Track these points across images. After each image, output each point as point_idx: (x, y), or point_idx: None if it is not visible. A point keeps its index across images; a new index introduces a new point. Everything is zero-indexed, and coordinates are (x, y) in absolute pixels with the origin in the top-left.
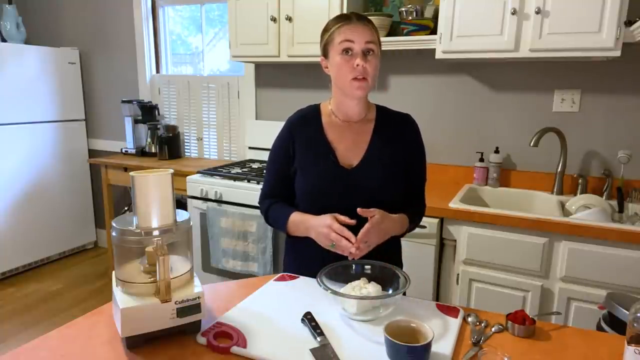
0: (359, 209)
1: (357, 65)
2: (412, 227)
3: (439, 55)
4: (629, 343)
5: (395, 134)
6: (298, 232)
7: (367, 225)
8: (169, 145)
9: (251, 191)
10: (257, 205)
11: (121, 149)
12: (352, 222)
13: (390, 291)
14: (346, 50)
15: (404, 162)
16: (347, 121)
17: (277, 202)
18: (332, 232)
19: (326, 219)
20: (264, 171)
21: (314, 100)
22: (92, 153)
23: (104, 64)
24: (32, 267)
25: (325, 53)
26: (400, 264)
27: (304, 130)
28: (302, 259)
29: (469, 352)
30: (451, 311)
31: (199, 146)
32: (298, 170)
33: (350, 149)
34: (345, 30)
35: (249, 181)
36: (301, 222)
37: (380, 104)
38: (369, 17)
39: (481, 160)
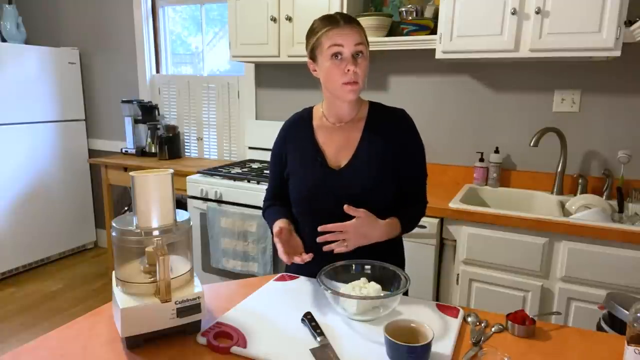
0: (345, 206)
1: (348, 70)
2: (411, 227)
3: (439, 55)
4: (629, 343)
5: (388, 130)
6: None
7: (347, 222)
8: (169, 145)
9: (251, 191)
10: (257, 205)
11: (121, 149)
12: (308, 257)
13: (391, 291)
14: (336, 55)
15: (397, 159)
16: (339, 122)
17: (273, 204)
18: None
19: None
20: (265, 171)
21: (314, 100)
22: (92, 153)
23: (104, 64)
24: (32, 267)
25: (312, 57)
26: (402, 265)
27: (296, 134)
28: None
29: (469, 352)
30: (451, 311)
31: (199, 146)
32: (289, 174)
33: (340, 150)
34: (334, 35)
35: (249, 181)
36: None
37: None
38: (361, 17)
39: (481, 160)
